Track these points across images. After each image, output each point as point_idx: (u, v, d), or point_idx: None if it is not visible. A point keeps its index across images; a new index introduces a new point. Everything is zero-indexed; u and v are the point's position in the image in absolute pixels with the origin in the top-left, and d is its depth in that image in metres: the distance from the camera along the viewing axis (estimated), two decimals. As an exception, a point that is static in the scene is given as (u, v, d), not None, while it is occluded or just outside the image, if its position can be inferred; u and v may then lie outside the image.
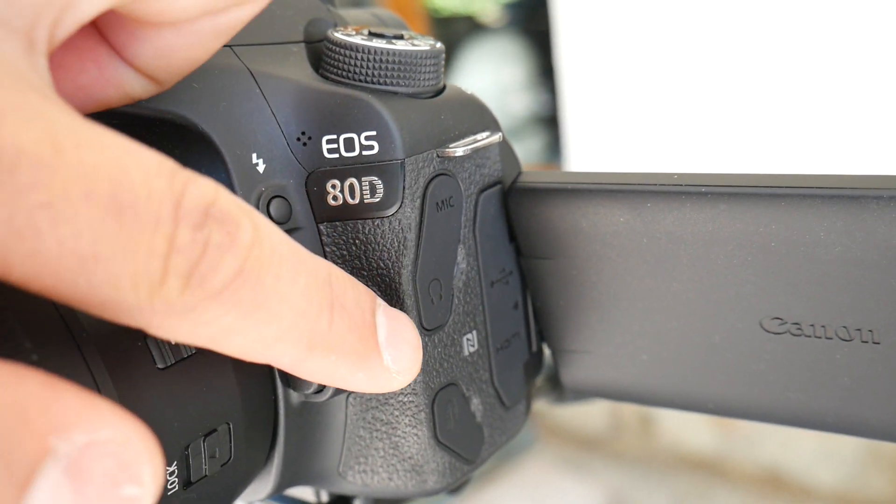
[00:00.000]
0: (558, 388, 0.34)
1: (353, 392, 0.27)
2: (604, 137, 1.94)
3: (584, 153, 1.98)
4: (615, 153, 1.92)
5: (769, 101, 1.65)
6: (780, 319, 0.26)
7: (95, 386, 0.20)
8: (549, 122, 2.32)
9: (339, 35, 0.26)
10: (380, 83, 0.26)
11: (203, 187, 0.18)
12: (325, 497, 0.31)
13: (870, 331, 0.25)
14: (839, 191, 0.24)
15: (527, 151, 2.36)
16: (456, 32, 2.69)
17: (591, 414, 2.07)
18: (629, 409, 2.00)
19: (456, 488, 0.31)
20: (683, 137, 1.79)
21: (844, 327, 0.25)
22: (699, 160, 1.76)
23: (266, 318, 0.19)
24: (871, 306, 0.25)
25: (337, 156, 0.25)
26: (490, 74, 2.41)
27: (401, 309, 0.26)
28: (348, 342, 0.22)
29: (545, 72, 2.28)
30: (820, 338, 0.26)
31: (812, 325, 0.26)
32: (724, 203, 0.25)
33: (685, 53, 1.74)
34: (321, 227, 0.26)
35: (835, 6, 1.53)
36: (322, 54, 0.27)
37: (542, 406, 0.37)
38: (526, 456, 2.02)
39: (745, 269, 0.26)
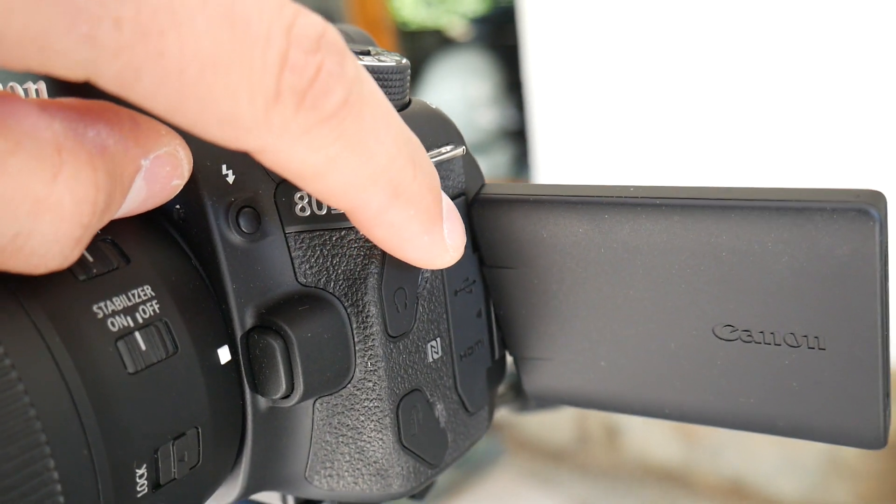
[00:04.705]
0: (522, 396, 0.35)
1: (320, 399, 0.28)
2: (571, 151, 1.96)
3: (552, 167, 2.00)
4: (583, 167, 1.94)
5: (730, 115, 1.68)
6: (732, 326, 0.27)
7: (67, 388, 0.21)
8: (516, 136, 2.35)
9: None
10: None
11: (313, 18, 0.20)
12: (291, 502, 0.31)
13: (816, 337, 0.26)
14: (785, 203, 0.25)
15: (495, 166, 2.38)
16: (424, 46, 2.71)
17: (557, 426, 2.08)
18: (595, 422, 2.01)
19: (420, 493, 0.32)
20: (650, 150, 1.82)
21: (792, 334, 0.26)
22: (665, 173, 1.78)
23: (365, 153, 0.21)
24: (816, 314, 0.26)
25: None
26: (458, 89, 2.43)
27: (366, 317, 0.27)
28: (426, 200, 0.23)
29: (513, 86, 2.30)
30: (769, 344, 0.27)
31: (762, 332, 0.27)
32: (677, 215, 0.26)
33: (652, 67, 1.77)
34: (289, 237, 0.27)
35: (789, 35, 1.56)
36: None
37: (509, 417, 0.38)
38: (493, 468, 2.03)
39: (698, 278, 0.27)
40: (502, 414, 0.37)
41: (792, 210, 0.25)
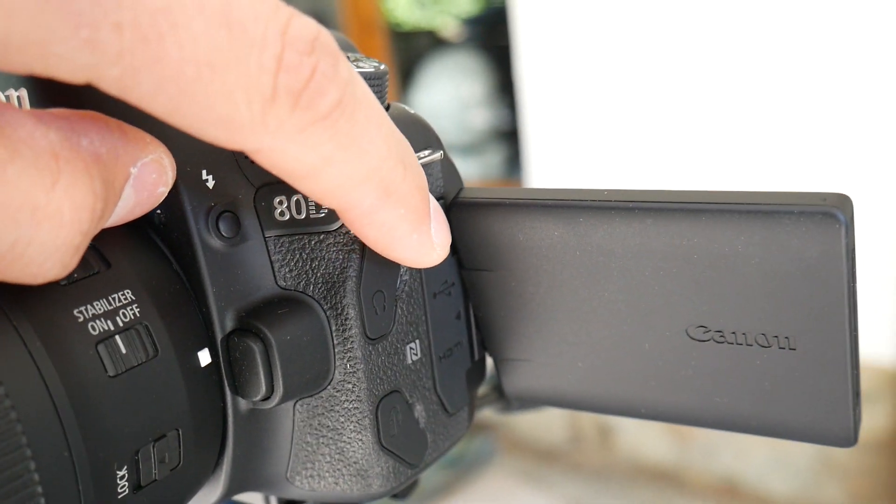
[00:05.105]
0: (505, 397, 0.35)
1: (300, 401, 0.28)
2: (564, 152, 1.96)
3: (545, 168, 2.00)
4: (575, 167, 1.94)
5: (722, 115, 1.69)
6: (705, 327, 0.28)
7: (48, 392, 0.21)
8: (508, 136, 2.35)
9: None
10: None
11: (307, 20, 0.20)
12: (273, 502, 0.31)
13: (786, 337, 0.27)
14: (755, 207, 0.25)
15: (487, 166, 2.38)
16: (417, 47, 2.71)
17: (550, 426, 2.09)
18: (588, 421, 2.01)
19: (402, 493, 0.32)
20: (642, 150, 1.82)
21: (763, 334, 0.27)
22: (657, 172, 1.79)
23: (358, 153, 0.21)
24: (786, 314, 0.26)
25: None
26: (451, 89, 2.43)
27: (345, 319, 0.27)
28: (415, 199, 0.24)
29: (505, 87, 2.30)
30: (741, 344, 0.27)
31: (734, 333, 0.27)
32: (650, 218, 0.27)
33: (643, 68, 1.77)
34: (269, 241, 0.27)
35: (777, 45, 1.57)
36: None
37: (501, 417, 0.38)
38: (486, 469, 2.03)
39: (671, 280, 0.27)
40: (494, 414, 0.37)
41: (761, 213, 0.25)
